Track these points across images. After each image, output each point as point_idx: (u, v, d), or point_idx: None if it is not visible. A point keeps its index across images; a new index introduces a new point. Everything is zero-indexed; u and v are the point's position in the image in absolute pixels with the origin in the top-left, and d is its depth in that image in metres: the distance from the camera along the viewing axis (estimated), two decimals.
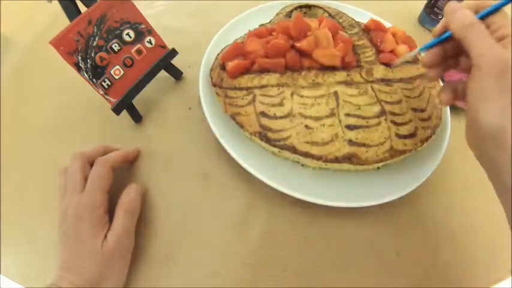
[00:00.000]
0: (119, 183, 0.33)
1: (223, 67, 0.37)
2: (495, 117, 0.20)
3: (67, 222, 0.28)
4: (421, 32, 0.56)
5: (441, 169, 0.36)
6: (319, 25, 0.38)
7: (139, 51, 0.37)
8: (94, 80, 0.34)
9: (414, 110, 0.35)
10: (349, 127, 0.32)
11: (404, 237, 0.35)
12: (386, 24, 0.44)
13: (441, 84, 0.41)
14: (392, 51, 0.37)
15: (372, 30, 0.40)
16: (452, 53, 0.27)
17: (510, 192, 0.22)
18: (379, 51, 0.38)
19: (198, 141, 0.39)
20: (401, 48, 0.37)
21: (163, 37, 0.39)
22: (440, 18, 0.53)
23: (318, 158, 0.31)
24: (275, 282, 0.31)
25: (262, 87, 0.34)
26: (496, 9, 0.23)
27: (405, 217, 0.36)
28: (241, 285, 0.31)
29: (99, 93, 0.35)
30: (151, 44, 0.38)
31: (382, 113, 0.33)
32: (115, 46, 0.35)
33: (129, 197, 0.31)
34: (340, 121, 0.32)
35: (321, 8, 0.45)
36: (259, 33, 0.37)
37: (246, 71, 0.35)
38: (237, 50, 0.36)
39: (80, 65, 0.33)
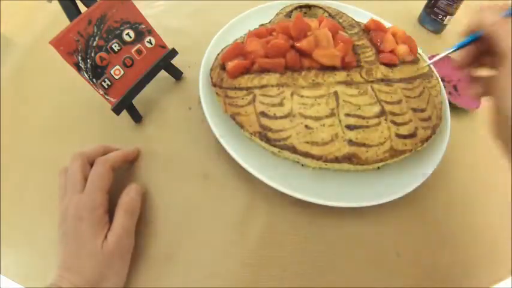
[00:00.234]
0: (119, 183, 0.33)
1: (223, 67, 0.37)
2: None
3: (67, 222, 0.28)
4: (421, 32, 0.56)
5: (441, 169, 0.36)
6: (319, 25, 0.38)
7: (139, 51, 0.37)
8: (94, 80, 0.34)
9: (414, 110, 0.35)
10: (349, 127, 0.32)
11: (404, 237, 0.35)
12: (387, 24, 0.44)
13: (441, 84, 0.42)
14: (392, 51, 0.37)
15: (372, 30, 0.40)
16: (481, 51, 0.29)
17: None
18: (379, 51, 0.38)
19: (198, 141, 0.38)
20: (401, 48, 0.37)
21: (163, 37, 0.39)
22: (441, 18, 0.53)
23: (318, 158, 0.31)
24: (275, 282, 0.31)
25: (262, 87, 0.34)
26: None
27: (405, 217, 0.36)
28: (241, 285, 0.31)
29: (99, 93, 0.35)
30: (151, 44, 0.38)
31: (382, 113, 0.33)
32: (115, 46, 0.35)
33: (129, 197, 0.31)
34: (340, 121, 0.32)
35: (321, 8, 0.45)
36: (259, 33, 0.37)
37: (246, 71, 0.35)
38: (237, 50, 0.36)
39: (80, 65, 0.33)
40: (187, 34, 0.48)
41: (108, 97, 0.35)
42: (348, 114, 0.32)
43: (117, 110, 0.36)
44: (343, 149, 0.32)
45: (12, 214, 0.35)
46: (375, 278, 0.32)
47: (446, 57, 0.46)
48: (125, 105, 0.37)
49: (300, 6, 0.46)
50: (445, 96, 0.41)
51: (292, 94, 0.33)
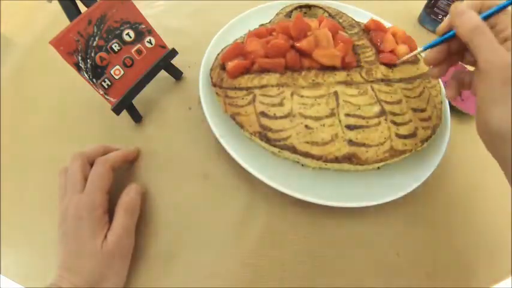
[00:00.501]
0: (118, 183, 0.33)
1: (223, 67, 0.37)
2: (503, 120, 0.22)
3: (67, 222, 0.28)
4: (421, 32, 0.56)
5: (441, 169, 0.36)
6: (319, 25, 0.38)
7: (139, 51, 0.37)
8: (94, 80, 0.34)
9: (414, 110, 0.35)
10: (349, 127, 0.32)
11: (404, 237, 0.35)
12: (387, 24, 0.44)
13: (441, 84, 0.42)
14: (392, 51, 0.37)
15: (372, 30, 0.40)
16: (456, 49, 0.28)
17: None
18: (379, 51, 0.38)
19: (198, 141, 0.39)
20: (401, 48, 0.37)
21: (163, 37, 0.39)
22: (441, 18, 0.53)
23: (318, 158, 0.31)
24: (275, 282, 0.31)
25: (262, 87, 0.34)
26: (501, 9, 0.24)
27: (405, 217, 0.36)
28: (241, 285, 0.31)
29: (99, 93, 0.35)
30: (151, 44, 0.38)
31: (382, 113, 0.33)
32: (115, 46, 0.35)
33: (129, 196, 0.31)
34: (340, 121, 0.32)
35: (321, 8, 0.45)
36: (259, 33, 0.37)
37: (246, 71, 0.35)
38: (237, 50, 0.36)
39: (80, 65, 0.33)
40: (187, 34, 0.48)
41: (108, 97, 0.35)
42: (348, 114, 0.32)
43: (117, 110, 0.36)
44: (343, 149, 0.32)
45: (12, 214, 0.35)
46: (375, 278, 0.32)
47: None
48: (125, 105, 0.37)
49: (300, 6, 0.46)
50: (445, 96, 0.41)
51: (292, 94, 0.33)
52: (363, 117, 0.32)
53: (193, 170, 0.37)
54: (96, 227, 0.28)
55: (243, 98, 0.34)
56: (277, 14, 0.45)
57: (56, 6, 0.34)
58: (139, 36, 0.37)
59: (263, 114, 0.33)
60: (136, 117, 0.39)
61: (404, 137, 0.33)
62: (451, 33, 0.26)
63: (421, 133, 0.34)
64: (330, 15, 0.44)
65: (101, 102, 0.36)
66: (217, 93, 0.36)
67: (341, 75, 0.35)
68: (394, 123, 0.33)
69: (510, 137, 0.22)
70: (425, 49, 0.30)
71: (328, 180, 0.34)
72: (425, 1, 0.55)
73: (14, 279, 0.31)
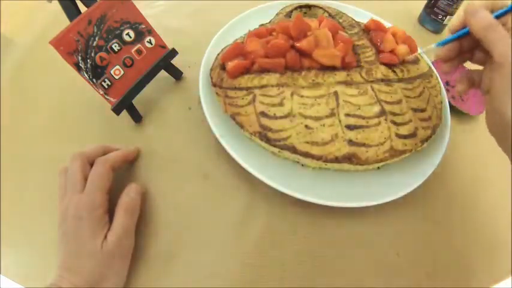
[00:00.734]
0: (119, 183, 0.33)
1: (223, 67, 0.37)
2: None
3: (67, 222, 0.28)
4: (421, 32, 0.56)
5: (441, 169, 0.36)
6: (319, 25, 0.38)
7: (139, 51, 0.37)
8: (94, 80, 0.34)
9: (414, 110, 0.35)
10: (349, 127, 0.32)
11: (404, 237, 0.35)
12: (387, 24, 0.44)
13: (441, 84, 0.42)
14: (392, 51, 0.37)
15: (372, 30, 0.40)
16: (467, 47, 0.29)
17: None
18: (379, 51, 0.38)
19: (198, 141, 0.39)
20: (401, 48, 0.37)
21: (163, 37, 0.39)
22: (441, 18, 0.53)
23: (318, 158, 0.31)
24: (275, 282, 0.31)
25: (262, 87, 0.34)
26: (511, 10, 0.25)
27: (405, 217, 0.36)
28: (241, 285, 0.31)
29: (99, 93, 0.35)
30: (151, 44, 0.38)
31: (382, 113, 0.33)
32: (115, 46, 0.35)
33: (129, 197, 0.31)
34: (340, 121, 0.32)
35: (321, 8, 0.45)
36: (259, 33, 0.37)
37: (246, 71, 0.35)
38: (237, 50, 0.36)
39: (80, 65, 0.33)
40: (187, 34, 0.48)
41: (108, 97, 0.35)
42: (348, 114, 0.32)
43: (117, 110, 0.36)
44: (343, 149, 0.32)
45: (12, 214, 0.35)
46: (375, 278, 0.32)
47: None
48: (125, 105, 0.37)
49: (300, 6, 0.46)
50: (445, 96, 0.41)
51: (292, 94, 0.33)
52: (363, 117, 0.32)
53: (193, 170, 0.37)
54: (96, 227, 0.28)
55: (243, 98, 0.34)
56: (277, 14, 0.45)
57: (56, 6, 0.34)
58: (139, 36, 0.37)
59: (263, 114, 0.33)
60: (136, 117, 0.39)
61: (404, 137, 0.33)
62: (464, 30, 0.28)
63: (421, 133, 0.34)
64: (330, 15, 0.44)
65: (101, 102, 0.36)
66: (217, 93, 0.36)
67: (341, 75, 0.35)
68: (394, 123, 0.33)
69: None
70: (438, 45, 0.31)
71: (328, 180, 0.34)
72: (425, 1, 0.55)
73: (14, 279, 0.31)
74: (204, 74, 0.39)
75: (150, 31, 0.38)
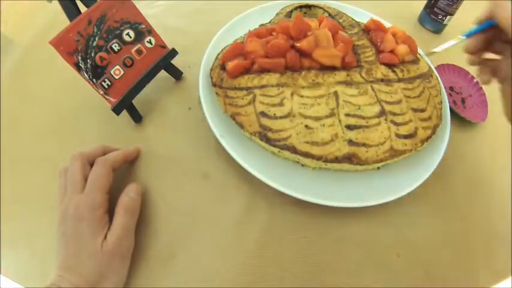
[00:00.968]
0: (119, 183, 0.33)
1: (223, 67, 0.37)
2: None
3: (67, 222, 0.28)
4: (421, 32, 0.56)
5: (441, 169, 0.36)
6: (319, 25, 0.38)
7: (139, 51, 0.37)
8: (94, 80, 0.34)
9: (414, 110, 0.35)
10: (349, 127, 0.32)
11: (404, 237, 0.35)
12: (387, 24, 0.44)
13: (441, 84, 0.42)
14: (392, 51, 0.37)
15: (372, 30, 0.40)
16: (490, 38, 0.30)
17: None
18: (379, 51, 0.38)
19: (198, 141, 0.39)
20: (401, 48, 0.37)
21: (163, 37, 0.39)
22: (441, 18, 0.53)
23: (318, 158, 0.31)
24: (275, 282, 0.31)
25: (262, 87, 0.34)
26: None
27: (405, 217, 0.36)
28: (241, 285, 0.31)
29: (99, 93, 0.35)
30: (151, 44, 0.38)
31: (382, 113, 0.33)
32: (115, 46, 0.35)
33: (128, 197, 0.31)
34: (340, 121, 0.32)
35: (321, 8, 0.45)
36: (259, 33, 0.37)
37: (246, 71, 0.35)
38: (237, 50, 0.36)
39: (80, 65, 0.33)
40: (187, 34, 0.48)
41: (108, 97, 0.35)
42: (348, 114, 0.32)
43: (117, 110, 0.36)
44: (343, 149, 0.32)
45: (12, 214, 0.35)
46: (375, 278, 0.32)
47: (461, 69, 0.47)
48: (125, 105, 0.37)
49: (300, 6, 0.46)
50: (445, 96, 0.41)
51: (292, 94, 0.33)
52: (363, 117, 0.32)
53: (193, 170, 0.37)
54: (96, 227, 0.28)
55: (243, 98, 0.34)
56: (277, 14, 0.45)
57: (56, 6, 0.34)
58: (139, 36, 0.37)
59: (263, 114, 0.33)
60: (136, 117, 0.39)
61: (405, 137, 0.33)
62: (490, 22, 0.28)
63: (421, 133, 0.34)
64: (330, 15, 0.44)
65: (101, 102, 0.36)
66: (217, 93, 0.36)
67: (341, 75, 0.35)
68: (394, 123, 0.33)
69: None
70: (466, 36, 0.32)
71: (328, 180, 0.34)
72: (425, 1, 0.55)
73: (14, 279, 0.31)
74: (204, 74, 0.39)
75: (150, 31, 0.38)
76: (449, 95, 0.47)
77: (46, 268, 0.30)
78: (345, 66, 0.35)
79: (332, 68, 0.35)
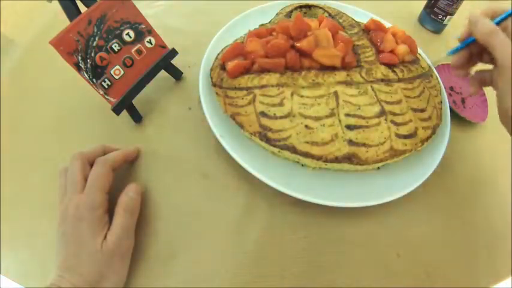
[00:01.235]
0: (118, 183, 0.33)
1: (223, 67, 0.37)
2: None
3: (67, 222, 0.28)
4: (421, 32, 0.56)
5: (441, 169, 0.36)
6: (319, 25, 0.38)
7: (139, 51, 0.37)
8: (94, 80, 0.34)
9: (414, 110, 0.35)
10: (349, 127, 0.32)
11: (404, 237, 0.35)
12: (387, 24, 0.44)
13: (441, 84, 0.42)
14: (392, 51, 0.37)
15: (372, 30, 0.40)
16: (476, 52, 0.32)
17: None
18: (379, 51, 0.38)
19: (198, 141, 0.39)
20: (401, 48, 0.37)
21: (163, 37, 0.39)
22: (441, 18, 0.53)
23: (318, 158, 0.31)
24: (275, 282, 0.31)
25: (262, 87, 0.34)
26: (510, 15, 0.28)
27: (405, 217, 0.36)
28: (241, 285, 0.31)
29: (99, 93, 0.35)
30: (151, 44, 0.38)
31: (382, 113, 0.33)
32: (115, 46, 0.35)
33: (128, 196, 0.31)
34: (340, 121, 0.32)
35: (321, 8, 0.45)
36: (259, 33, 0.37)
37: (246, 71, 0.35)
38: (237, 50, 0.36)
39: (80, 65, 0.33)
40: (187, 34, 0.48)
41: (108, 97, 0.35)
42: (348, 114, 0.32)
43: (117, 110, 0.36)
44: (343, 149, 0.32)
45: (12, 214, 0.35)
46: (375, 278, 0.32)
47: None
48: (125, 105, 0.37)
49: (300, 6, 0.46)
50: (445, 95, 0.41)
51: (292, 94, 0.33)
52: (363, 117, 0.32)
53: (193, 169, 0.37)
54: (96, 227, 0.28)
55: (243, 98, 0.34)
56: (277, 14, 0.45)
57: (56, 6, 0.34)
58: (139, 36, 0.37)
59: (263, 114, 0.33)
60: (136, 117, 0.39)
61: (404, 137, 0.33)
62: (471, 39, 0.30)
63: (421, 133, 0.34)
64: (330, 15, 0.44)
65: (101, 102, 0.36)
66: (217, 93, 0.36)
67: (341, 75, 0.35)
68: (394, 123, 0.33)
69: None
70: (449, 54, 0.34)
71: (328, 180, 0.34)
72: (425, 1, 0.55)
73: (14, 279, 0.31)
74: (204, 74, 0.39)
75: (150, 31, 0.38)
76: (449, 95, 0.47)
77: (46, 268, 0.30)
78: (345, 66, 0.35)
79: (332, 68, 0.35)
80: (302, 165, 0.35)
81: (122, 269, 0.29)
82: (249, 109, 0.33)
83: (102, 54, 0.34)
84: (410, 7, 0.59)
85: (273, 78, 0.34)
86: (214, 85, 0.37)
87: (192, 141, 0.39)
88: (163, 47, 0.39)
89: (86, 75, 0.34)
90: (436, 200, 0.37)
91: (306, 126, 0.32)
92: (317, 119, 0.32)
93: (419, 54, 0.41)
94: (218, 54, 0.40)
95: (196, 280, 0.31)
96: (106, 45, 0.35)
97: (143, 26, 0.37)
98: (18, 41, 0.50)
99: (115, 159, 0.33)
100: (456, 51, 0.33)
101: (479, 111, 0.46)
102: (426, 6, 0.55)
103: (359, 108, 0.33)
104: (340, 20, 0.42)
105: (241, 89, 0.35)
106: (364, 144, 0.32)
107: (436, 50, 0.50)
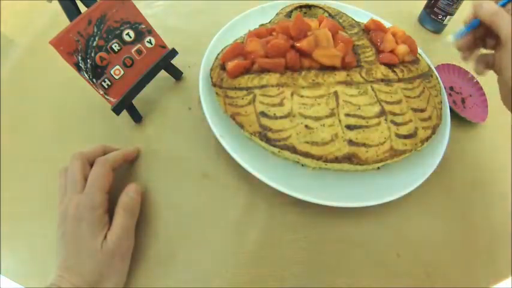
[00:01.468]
0: (118, 183, 0.33)
1: (223, 67, 0.37)
2: None
3: (67, 222, 0.28)
4: (421, 32, 0.56)
5: (441, 169, 0.36)
6: (319, 25, 0.38)
7: (139, 51, 0.37)
8: (94, 80, 0.34)
9: (414, 110, 0.35)
10: (349, 127, 0.32)
11: (404, 237, 0.35)
12: (387, 24, 0.44)
13: (441, 84, 0.42)
14: (392, 51, 0.37)
15: (372, 30, 0.40)
16: (479, 36, 0.34)
17: None
18: (379, 51, 0.38)
19: (198, 141, 0.39)
20: (401, 48, 0.37)
21: (163, 37, 0.39)
22: (441, 18, 0.54)
23: (318, 158, 0.31)
24: (275, 282, 0.31)
25: (262, 87, 0.34)
26: None
27: (405, 217, 0.36)
28: (241, 285, 0.31)
29: (99, 93, 0.35)
30: (151, 44, 0.38)
31: (382, 113, 0.33)
32: (115, 46, 0.35)
33: (128, 196, 0.31)
34: (340, 121, 0.32)
35: (321, 8, 0.45)
36: (259, 33, 0.37)
37: (246, 71, 0.35)
38: (237, 50, 0.36)
39: (80, 65, 0.33)
40: (187, 34, 0.48)
41: (108, 97, 0.35)
42: (348, 114, 0.32)
43: (117, 110, 0.36)
44: (343, 149, 0.32)
45: (12, 214, 0.35)
46: (375, 278, 0.32)
47: (461, 68, 0.48)
48: (125, 105, 0.37)
49: (300, 6, 0.46)
50: (445, 95, 0.41)
51: (292, 94, 0.33)
52: (363, 117, 0.32)
53: (193, 169, 0.37)
54: (96, 227, 0.28)
55: (243, 98, 0.34)
56: (277, 14, 0.45)
57: (56, 6, 0.34)
58: (139, 36, 0.37)
59: (263, 114, 0.33)
60: (136, 117, 0.39)
61: (404, 137, 0.33)
62: (475, 23, 0.32)
63: (421, 133, 0.34)
64: (330, 15, 0.44)
65: (101, 102, 0.36)
66: (217, 93, 0.36)
67: (341, 75, 0.35)
68: (394, 123, 0.33)
69: None
70: (456, 37, 0.34)
71: (328, 180, 0.34)
72: (425, 1, 0.55)
73: (14, 279, 0.31)
74: (204, 74, 0.39)
75: (150, 31, 0.38)
76: (449, 94, 0.47)
77: (46, 268, 0.30)
78: (345, 66, 0.35)
79: (332, 68, 0.35)
80: (302, 165, 0.35)
81: (122, 269, 0.29)
82: (249, 109, 0.33)
83: (102, 54, 0.34)
84: (410, 7, 0.59)
85: (273, 78, 0.34)
86: (214, 85, 0.37)
87: (192, 141, 0.39)
88: (163, 47, 0.39)
89: (86, 75, 0.34)
90: (436, 200, 0.37)
91: (306, 126, 0.32)
92: (317, 119, 0.32)
93: (419, 54, 0.41)
94: (218, 54, 0.40)
95: (196, 280, 0.31)
96: (106, 45, 0.35)
97: (143, 26, 0.37)
98: (18, 41, 0.50)
99: (115, 159, 0.33)
100: (461, 35, 0.34)
101: (479, 111, 0.46)
102: (426, 6, 0.55)
103: (359, 108, 0.33)
104: (340, 20, 0.42)
105: (241, 89, 0.35)
106: (364, 144, 0.32)
107: (436, 50, 0.50)
